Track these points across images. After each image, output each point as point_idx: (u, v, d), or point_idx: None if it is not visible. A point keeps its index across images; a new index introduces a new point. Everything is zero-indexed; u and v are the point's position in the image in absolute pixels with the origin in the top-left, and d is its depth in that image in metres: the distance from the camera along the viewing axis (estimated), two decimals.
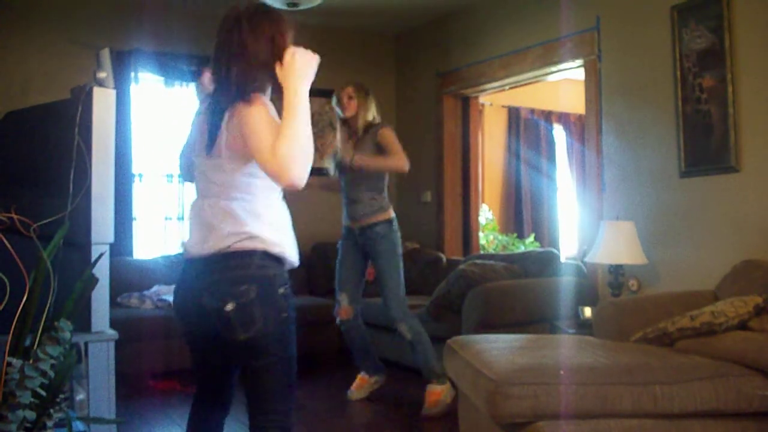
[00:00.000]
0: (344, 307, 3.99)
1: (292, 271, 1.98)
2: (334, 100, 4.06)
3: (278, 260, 1.92)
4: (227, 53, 1.92)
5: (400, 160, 3.90)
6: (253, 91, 1.89)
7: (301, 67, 1.86)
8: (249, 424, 1.95)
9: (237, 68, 1.89)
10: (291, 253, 1.95)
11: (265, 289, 1.86)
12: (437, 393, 3.82)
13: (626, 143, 4.29)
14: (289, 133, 1.77)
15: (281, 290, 1.89)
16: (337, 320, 4.08)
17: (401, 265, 3.94)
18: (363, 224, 3.91)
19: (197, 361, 2.10)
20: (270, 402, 1.92)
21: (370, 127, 3.99)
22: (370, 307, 4.44)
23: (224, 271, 1.86)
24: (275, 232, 1.92)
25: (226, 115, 1.89)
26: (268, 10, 1.99)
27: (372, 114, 4.02)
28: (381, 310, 3.97)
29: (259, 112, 1.84)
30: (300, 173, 1.76)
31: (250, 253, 1.86)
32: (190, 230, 2.00)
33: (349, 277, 4.02)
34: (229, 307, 1.83)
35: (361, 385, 4.11)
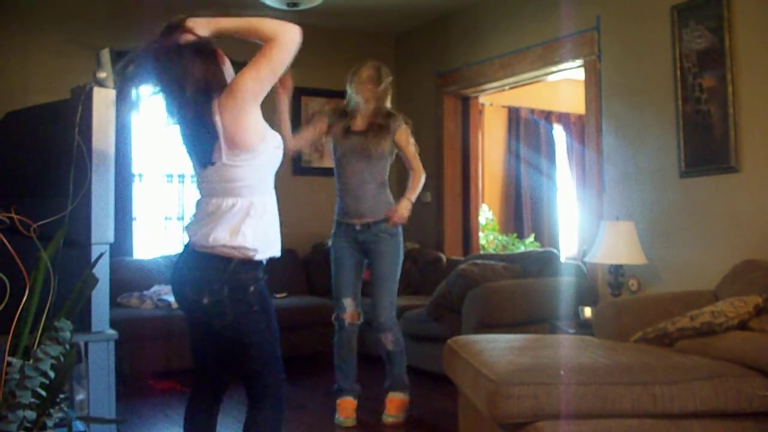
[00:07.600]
0: (351, 312, 3.63)
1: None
2: (349, 82, 3.62)
3: (253, 264, 2.10)
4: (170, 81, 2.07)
5: (422, 173, 3.65)
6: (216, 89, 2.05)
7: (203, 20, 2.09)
8: (246, 392, 2.18)
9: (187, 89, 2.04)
10: (270, 254, 2.15)
11: (236, 289, 2.07)
12: (401, 400, 3.64)
13: (626, 143, 4.29)
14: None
15: (251, 288, 2.10)
16: (339, 324, 3.68)
17: (400, 270, 3.66)
18: (368, 221, 3.56)
19: (194, 342, 2.29)
20: (259, 369, 2.15)
21: (387, 116, 3.58)
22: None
23: (205, 270, 2.08)
24: (258, 238, 2.08)
25: (215, 118, 2.03)
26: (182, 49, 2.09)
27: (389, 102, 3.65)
28: (368, 313, 3.68)
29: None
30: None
31: (227, 260, 2.06)
32: (194, 220, 2.17)
33: (352, 280, 3.65)
34: (206, 300, 2.07)
35: (353, 409, 3.65)
